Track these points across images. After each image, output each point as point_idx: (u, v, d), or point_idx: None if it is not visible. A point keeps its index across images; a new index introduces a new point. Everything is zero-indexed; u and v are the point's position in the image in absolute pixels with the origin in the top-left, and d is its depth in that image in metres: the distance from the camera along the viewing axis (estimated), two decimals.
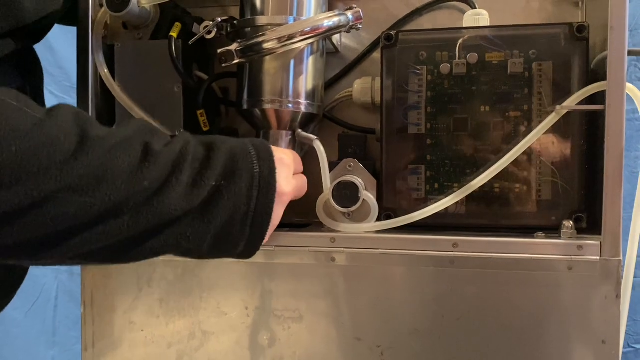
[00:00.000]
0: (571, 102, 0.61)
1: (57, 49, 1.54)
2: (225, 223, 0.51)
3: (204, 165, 0.50)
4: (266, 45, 0.63)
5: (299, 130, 0.68)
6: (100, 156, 0.44)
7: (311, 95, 0.68)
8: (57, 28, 0.71)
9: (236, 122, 0.77)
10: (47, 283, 1.64)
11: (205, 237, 0.51)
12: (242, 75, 0.68)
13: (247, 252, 0.55)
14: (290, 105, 0.66)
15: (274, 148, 0.56)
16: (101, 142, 0.45)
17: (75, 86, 1.72)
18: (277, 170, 0.54)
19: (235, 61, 0.63)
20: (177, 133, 0.69)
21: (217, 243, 0.52)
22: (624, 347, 0.68)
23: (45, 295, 1.64)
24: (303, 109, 0.67)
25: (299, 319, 0.64)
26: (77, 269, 1.63)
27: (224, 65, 0.63)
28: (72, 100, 1.58)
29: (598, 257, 0.57)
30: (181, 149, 0.49)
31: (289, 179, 0.57)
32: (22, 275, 0.72)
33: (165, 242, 0.49)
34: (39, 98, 0.73)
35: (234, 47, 0.63)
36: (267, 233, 0.55)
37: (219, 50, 0.63)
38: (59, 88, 1.58)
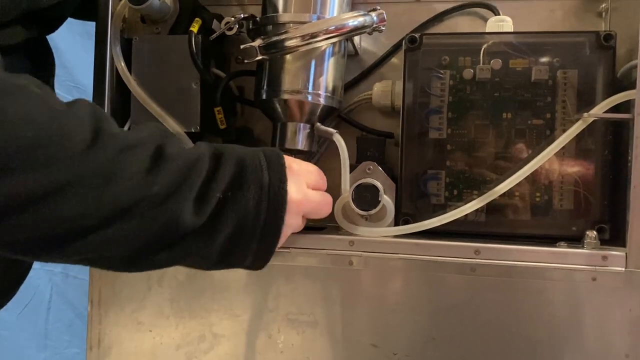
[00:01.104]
0: (598, 111, 0.60)
1: (62, 48, 1.53)
2: (231, 236, 0.49)
3: (211, 177, 0.48)
4: (289, 43, 0.62)
5: (318, 124, 0.66)
6: (112, 154, 0.43)
7: (331, 89, 0.67)
8: (63, 28, 0.70)
9: (251, 121, 0.76)
10: (40, 285, 1.61)
11: (212, 251, 0.49)
12: (261, 70, 0.67)
13: (256, 266, 0.53)
14: (309, 97, 0.65)
15: (289, 158, 0.53)
16: (115, 139, 0.44)
17: (79, 86, 1.70)
18: (288, 181, 0.51)
19: (257, 58, 0.62)
20: (193, 130, 0.69)
21: (224, 256, 0.50)
22: None
23: (39, 297, 1.61)
24: (323, 101, 0.66)
25: (314, 324, 0.62)
26: (72, 271, 1.61)
27: (246, 61, 0.62)
28: None
29: (623, 269, 0.56)
30: (195, 159, 0.48)
31: (300, 188, 0.54)
32: (26, 271, 0.70)
33: (172, 255, 0.48)
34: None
35: (256, 43, 0.62)
36: (279, 244, 0.52)
37: (241, 46, 0.62)
38: (62, 88, 1.56)
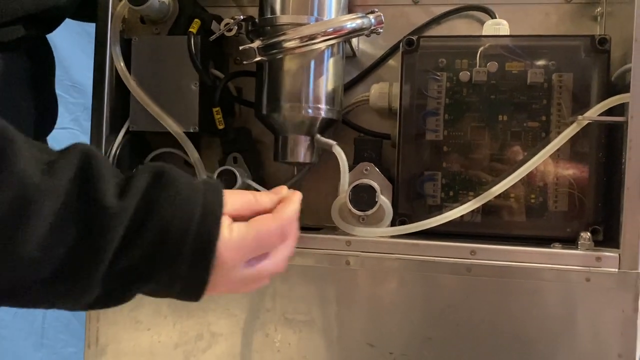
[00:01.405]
0: (593, 113, 0.61)
1: (59, 47, 1.52)
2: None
3: (126, 247, 0.39)
4: (287, 44, 0.62)
5: (318, 136, 0.67)
6: (4, 209, 0.35)
7: (331, 100, 0.67)
8: (60, 26, 0.70)
9: (249, 122, 0.76)
10: None
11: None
12: (261, 78, 0.68)
13: None
14: (310, 111, 0.66)
15: (230, 233, 0.43)
16: (12, 186, 0.35)
17: (76, 85, 1.70)
18: (212, 270, 0.42)
19: (256, 59, 0.63)
20: (192, 130, 0.69)
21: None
22: None
23: None
24: (323, 114, 0.66)
25: (311, 323, 0.63)
26: None
27: (244, 62, 0.63)
28: (72, 99, 1.58)
29: (616, 270, 0.57)
30: (112, 225, 0.38)
31: (227, 274, 0.44)
32: None
33: (90, 307, 0.44)
34: (47, 87, 0.72)
35: (255, 44, 0.62)
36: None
37: (240, 47, 0.63)
38: (60, 87, 1.56)
